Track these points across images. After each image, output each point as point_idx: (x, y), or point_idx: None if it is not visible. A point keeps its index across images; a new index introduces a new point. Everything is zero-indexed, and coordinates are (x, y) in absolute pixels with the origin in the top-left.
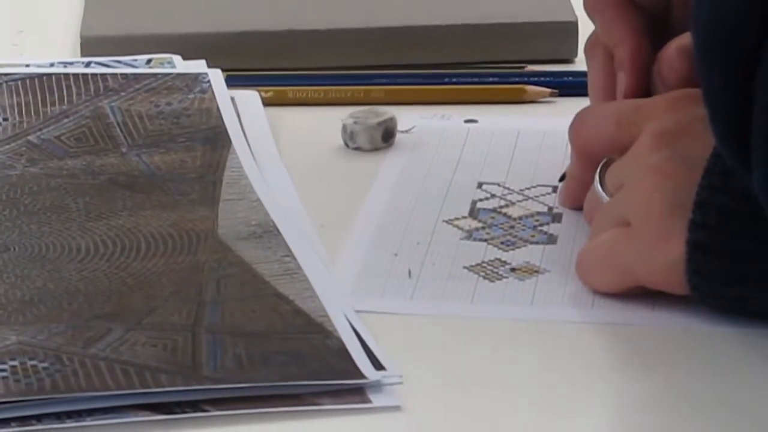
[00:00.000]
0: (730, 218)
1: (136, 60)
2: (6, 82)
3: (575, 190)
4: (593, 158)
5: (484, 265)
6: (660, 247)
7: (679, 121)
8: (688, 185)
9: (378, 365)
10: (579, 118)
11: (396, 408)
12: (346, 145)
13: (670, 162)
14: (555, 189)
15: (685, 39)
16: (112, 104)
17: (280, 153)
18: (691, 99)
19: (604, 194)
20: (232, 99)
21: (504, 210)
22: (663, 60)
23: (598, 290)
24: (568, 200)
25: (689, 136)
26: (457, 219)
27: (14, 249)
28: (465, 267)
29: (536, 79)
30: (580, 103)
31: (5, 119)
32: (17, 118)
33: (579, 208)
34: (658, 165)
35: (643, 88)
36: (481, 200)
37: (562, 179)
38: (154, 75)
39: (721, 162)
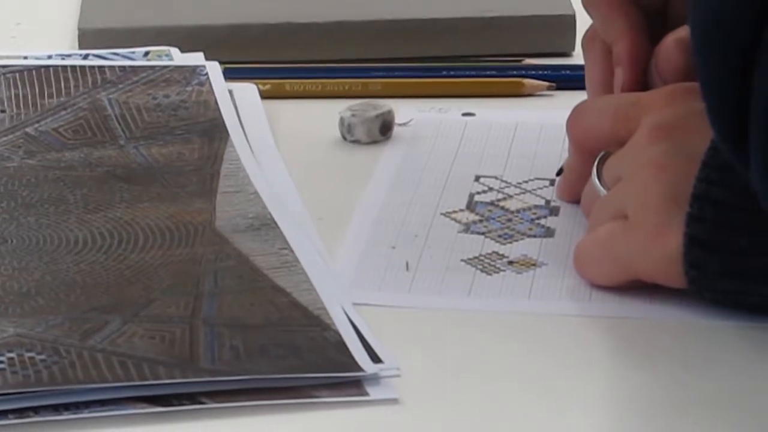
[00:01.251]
0: (728, 212)
1: (133, 52)
2: (4, 74)
3: (573, 183)
4: (591, 152)
5: (482, 258)
6: (657, 240)
7: (677, 114)
8: (685, 178)
9: (375, 358)
10: (576, 112)
11: (393, 400)
12: (344, 138)
13: (668, 155)
14: (552, 182)
15: (682, 32)
16: (110, 96)
17: (278, 146)
18: (689, 93)
19: (601, 187)
20: (230, 91)
21: (501, 203)
22: (660, 53)
23: (595, 284)
24: (566, 193)
25: (687, 129)
26: (454, 212)
27: (12, 241)
28: (462, 260)
29: (534, 72)
30: (578, 97)
31: (3, 111)
32: (15, 110)
33: (576, 201)
34: (656, 158)
35: (641, 82)
36: (478, 193)
37: (559, 173)
38: (152, 67)
39: (719, 155)
